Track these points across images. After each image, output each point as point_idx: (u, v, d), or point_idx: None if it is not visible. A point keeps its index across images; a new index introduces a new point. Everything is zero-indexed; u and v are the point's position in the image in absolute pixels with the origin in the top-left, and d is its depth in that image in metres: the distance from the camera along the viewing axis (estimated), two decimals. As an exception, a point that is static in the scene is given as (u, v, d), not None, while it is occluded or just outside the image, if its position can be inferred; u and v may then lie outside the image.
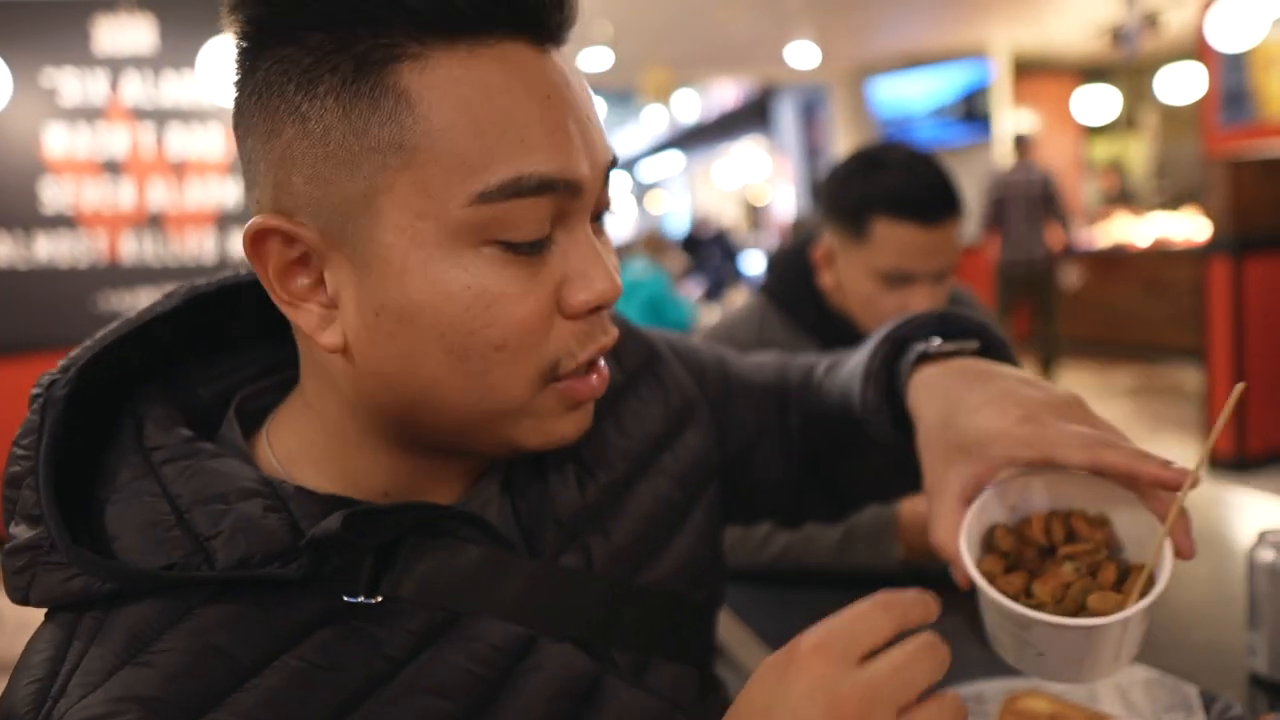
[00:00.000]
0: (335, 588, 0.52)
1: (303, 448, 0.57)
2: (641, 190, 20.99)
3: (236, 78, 0.52)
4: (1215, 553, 1.26)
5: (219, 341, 0.63)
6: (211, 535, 0.51)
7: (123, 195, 4.73)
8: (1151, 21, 7.30)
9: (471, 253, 0.49)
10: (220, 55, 4.46)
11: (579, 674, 0.57)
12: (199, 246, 4.87)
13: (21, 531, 0.51)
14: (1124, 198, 9.36)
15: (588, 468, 0.66)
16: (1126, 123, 9.90)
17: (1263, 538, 0.90)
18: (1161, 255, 7.28)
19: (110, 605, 0.50)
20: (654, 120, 14.11)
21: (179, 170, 4.80)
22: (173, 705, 0.47)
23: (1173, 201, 8.85)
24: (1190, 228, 7.16)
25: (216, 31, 4.65)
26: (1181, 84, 7.87)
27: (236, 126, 0.53)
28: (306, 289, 0.52)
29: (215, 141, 4.85)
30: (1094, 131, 10.03)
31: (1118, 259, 7.63)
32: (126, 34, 4.67)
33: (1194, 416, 5.26)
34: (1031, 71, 8.94)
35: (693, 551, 0.71)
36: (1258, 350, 4.14)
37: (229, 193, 4.90)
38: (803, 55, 7.04)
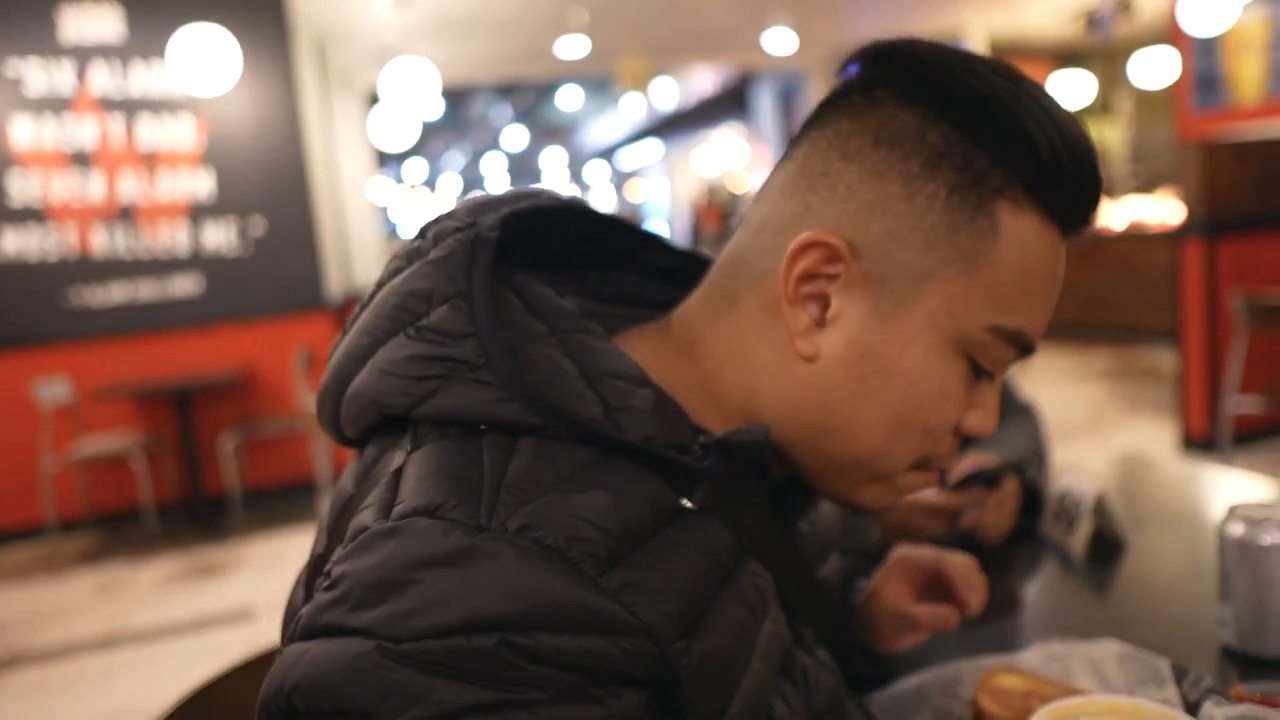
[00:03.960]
0: (674, 489, 0.55)
1: (661, 377, 0.59)
2: (620, 178, 20.93)
3: (852, 95, 0.60)
4: (1189, 529, 1.27)
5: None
6: (620, 408, 0.54)
7: (92, 187, 4.67)
8: (1125, 6, 7.34)
9: (956, 357, 0.59)
10: (191, 44, 4.40)
11: (783, 641, 0.62)
12: (171, 238, 4.82)
13: (419, 348, 0.54)
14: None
15: None
16: (1102, 107, 9.96)
17: (1232, 512, 0.91)
18: (1137, 239, 7.33)
19: (515, 435, 0.53)
20: (632, 108, 14.06)
21: (150, 161, 4.75)
22: (614, 538, 0.49)
23: (1147, 185, 8.92)
24: (1165, 211, 7.22)
25: (185, 20, 4.59)
26: (1155, 69, 7.90)
27: (825, 132, 0.60)
28: (807, 298, 0.59)
29: (186, 132, 4.79)
30: (1069, 116, 10.06)
31: (1094, 243, 7.67)
32: (93, 23, 4.60)
33: (1168, 398, 5.31)
34: (1007, 56, 8.93)
35: (833, 571, 0.82)
36: (1230, 331, 4.18)
37: (201, 184, 4.85)
38: (780, 41, 7.03)
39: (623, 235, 0.71)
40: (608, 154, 20.08)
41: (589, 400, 0.53)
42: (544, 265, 0.68)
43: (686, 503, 0.55)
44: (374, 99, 7.26)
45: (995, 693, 0.75)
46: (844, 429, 0.60)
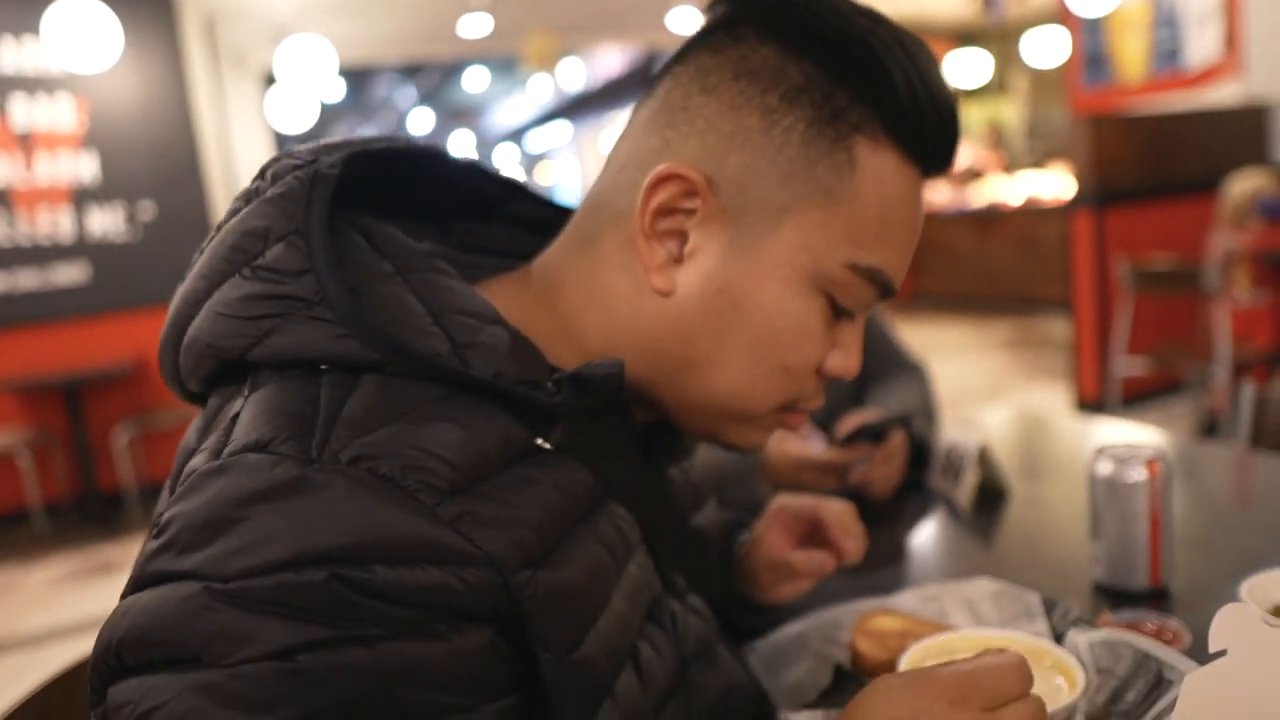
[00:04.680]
0: (529, 428, 0.54)
1: (519, 321, 0.57)
2: (530, 161, 20.76)
3: (716, 32, 0.59)
4: (1067, 479, 1.31)
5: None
6: (468, 344, 0.52)
7: (-37, 171, 4.40)
8: (1017, -14, 7.54)
9: (814, 294, 0.59)
10: (66, 20, 4.18)
11: (650, 586, 0.62)
12: (53, 225, 4.58)
13: (254, 287, 0.51)
14: (1000, 158, 9.68)
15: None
16: (999, 86, 10.23)
17: (1101, 453, 0.93)
18: (1033, 213, 7.58)
19: (358, 373, 0.50)
20: (540, 90, 13.95)
21: (26, 143, 4.50)
22: (456, 470, 0.48)
23: (1043, 160, 9.21)
24: (1059, 186, 7.47)
25: (58, -8, 4.36)
26: (1047, 48, 8.15)
27: (687, 67, 0.60)
28: (665, 233, 0.58)
29: (65, 112, 4.56)
30: (969, 95, 10.33)
31: (993, 218, 7.91)
32: (-42, -4, 4.33)
33: (1063, 364, 5.51)
34: (907, 36, 9.12)
35: (710, 521, 0.81)
36: (1117, 297, 4.35)
37: (84, 167, 4.62)
38: (685, 20, 7.03)
39: (490, 185, 0.69)
40: (516, 136, 19.87)
41: (435, 336, 0.52)
42: (403, 215, 0.65)
43: (542, 443, 0.54)
44: (270, 79, 7.02)
45: (872, 634, 0.76)
46: (702, 366, 0.60)
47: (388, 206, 0.64)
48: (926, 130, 0.59)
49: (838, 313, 0.61)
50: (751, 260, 0.58)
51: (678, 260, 0.59)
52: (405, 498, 0.46)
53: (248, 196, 0.56)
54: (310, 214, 0.52)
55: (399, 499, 0.46)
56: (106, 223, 4.67)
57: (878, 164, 0.58)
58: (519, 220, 0.72)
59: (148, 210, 4.75)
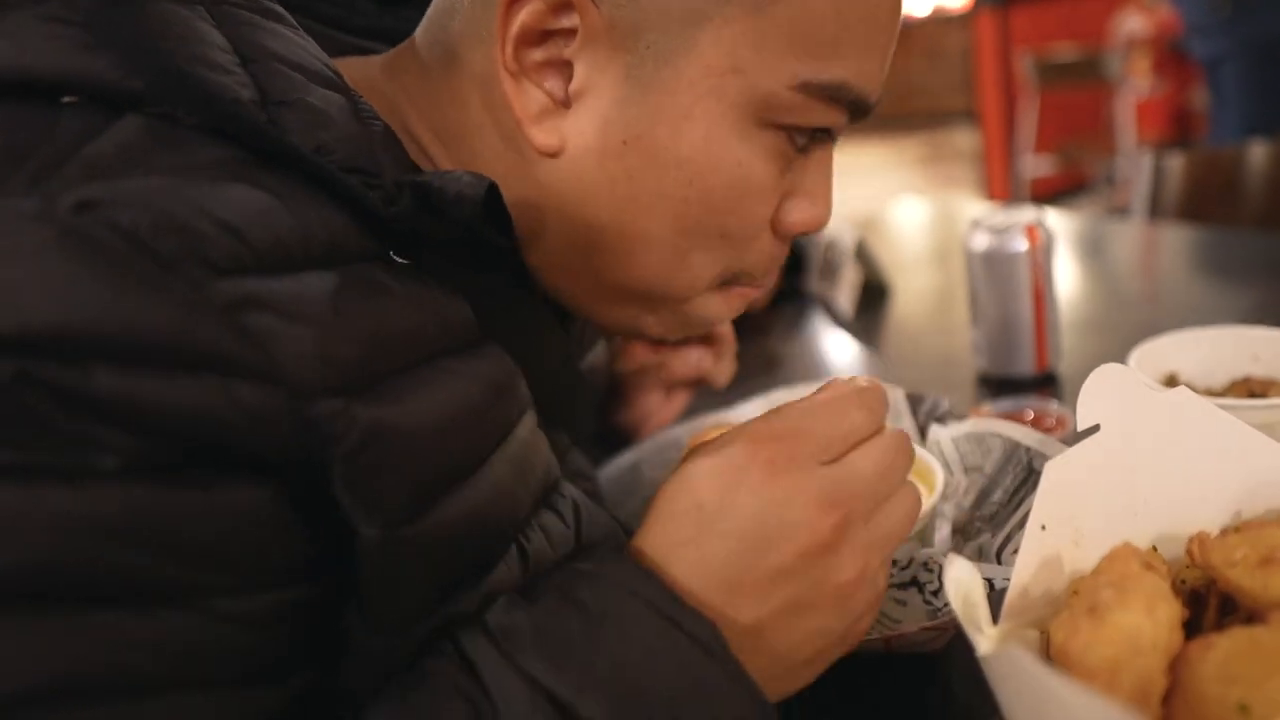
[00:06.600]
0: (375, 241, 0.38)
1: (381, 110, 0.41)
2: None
3: None
4: (951, 270, 1.20)
5: None
6: (285, 101, 0.37)
7: None
8: None
9: (758, 131, 0.43)
10: None
11: (546, 460, 0.46)
12: None
13: None
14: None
15: None
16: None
17: (975, 225, 0.81)
18: (939, 21, 7.36)
19: (114, 114, 0.34)
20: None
21: None
22: (246, 244, 0.32)
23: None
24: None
25: None
26: None
27: None
28: (541, 67, 0.42)
29: None
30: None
31: (901, 32, 7.67)
32: None
33: (973, 175, 5.45)
34: None
35: (596, 362, 0.67)
36: (1021, 94, 4.23)
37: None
38: None
39: None
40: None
41: (236, 79, 0.36)
42: None
43: (396, 258, 0.38)
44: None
45: (707, 451, 0.64)
46: (613, 245, 0.45)
47: None
48: None
49: (801, 149, 0.45)
50: (661, 95, 0.41)
51: (563, 104, 0.42)
52: (156, 269, 0.30)
53: None
54: None
55: (146, 269, 0.30)
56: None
57: None
58: None
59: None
